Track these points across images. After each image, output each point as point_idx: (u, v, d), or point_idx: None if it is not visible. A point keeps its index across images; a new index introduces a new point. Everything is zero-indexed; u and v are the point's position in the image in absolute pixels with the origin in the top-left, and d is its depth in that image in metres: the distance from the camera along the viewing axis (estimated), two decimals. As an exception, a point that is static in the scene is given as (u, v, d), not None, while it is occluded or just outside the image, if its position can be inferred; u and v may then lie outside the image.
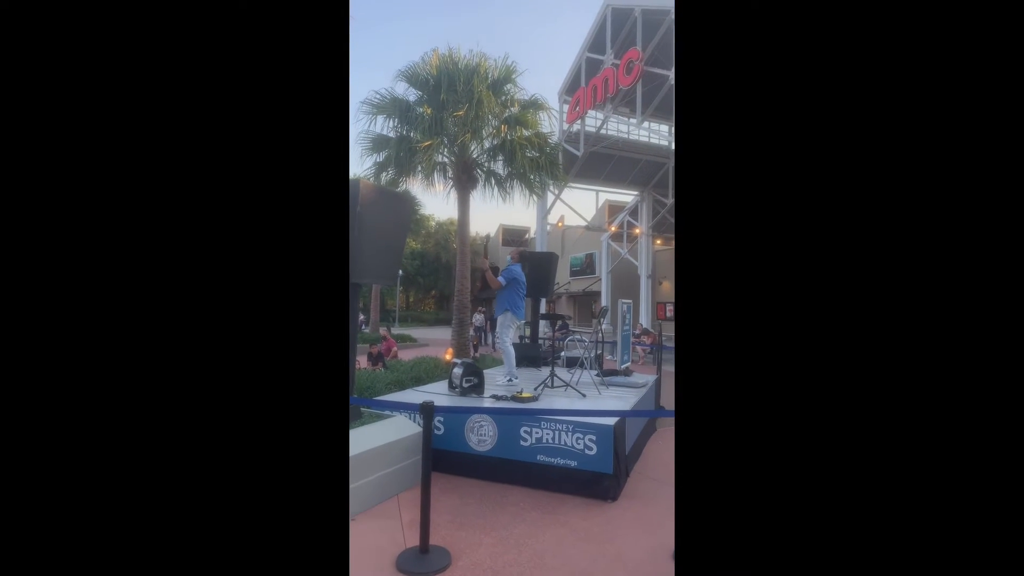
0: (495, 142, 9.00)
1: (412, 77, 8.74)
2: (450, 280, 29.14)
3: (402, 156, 8.41)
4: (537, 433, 3.55)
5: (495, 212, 78.01)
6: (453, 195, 9.46)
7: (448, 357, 8.72)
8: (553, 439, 3.51)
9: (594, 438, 3.40)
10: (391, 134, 8.78)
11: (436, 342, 15.21)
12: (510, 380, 4.92)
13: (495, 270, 5.05)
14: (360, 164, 8.72)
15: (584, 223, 18.19)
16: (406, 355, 9.43)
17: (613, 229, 17.81)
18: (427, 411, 2.61)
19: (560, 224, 17.56)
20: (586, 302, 24.64)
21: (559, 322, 6.15)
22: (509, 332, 5.02)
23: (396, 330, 17.29)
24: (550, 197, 14.99)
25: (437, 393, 4.52)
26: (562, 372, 5.16)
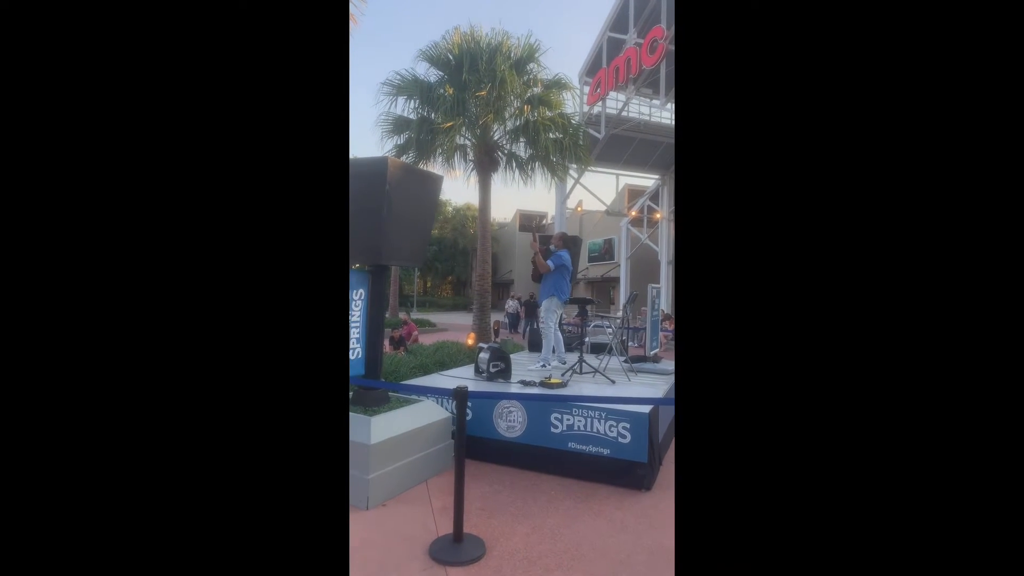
0: (517, 123, 8.80)
1: (434, 57, 8.56)
2: (467, 266, 29.14)
3: (423, 138, 8.28)
4: (568, 420, 3.46)
5: (511, 197, 77.57)
6: (470, 180, 9.32)
7: (470, 342, 8.66)
8: (585, 426, 3.41)
9: (628, 426, 3.29)
10: (412, 115, 8.64)
11: (454, 327, 15.21)
12: (543, 365, 4.83)
13: (547, 252, 4.92)
14: (381, 146, 8.64)
15: (603, 207, 17.92)
16: (426, 340, 9.40)
17: (633, 214, 17.49)
18: (461, 396, 2.52)
19: (579, 209, 17.29)
20: (604, 288, 24.40)
21: (585, 307, 6.03)
22: (553, 317, 4.93)
23: (414, 315, 17.32)
24: (569, 181, 14.74)
25: (463, 378, 4.45)
26: (590, 358, 5.05)
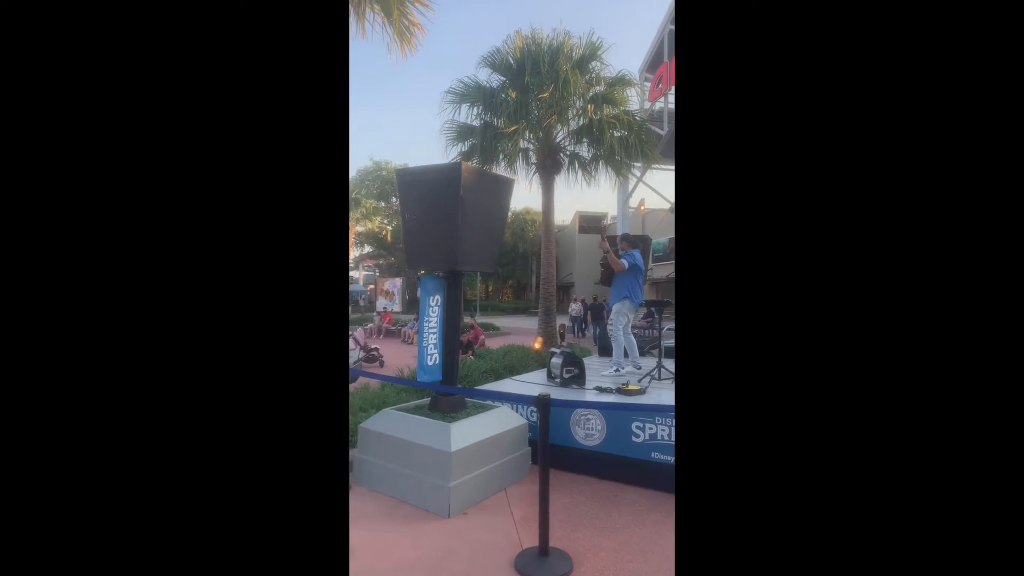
0: (580, 123, 8.66)
1: (495, 62, 8.60)
2: (527, 269, 29.16)
3: (486, 143, 8.33)
4: (651, 429, 3.29)
5: (570, 200, 77.03)
6: (531, 183, 9.26)
7: (537, 346, 8.59)
8: (670, 436, 3.23)
9: (717, 436, 3.08)
10: (475, 122, 8.72)
11: (518, 331, 15.20)
12: (617, 370, 4.67)
13: (614, 252, 4.78)
14: (445, 154, 8.78)
15: (667, 205, 17.34)
16: (492, 344, 9.42)
17: (700, 211, 16.76)
18: (543, 405, 2.43)
19: (642, 207, 16.82)
20: (669, 289, 23.59)
21: (652, 309, 5.78)
22: (624, 320, 4.77)
23: (478, 319, 17.51)
24: (631, 180, 14.35)
25: (536, 383, 4.37)
26: (669, 363, 4.82)
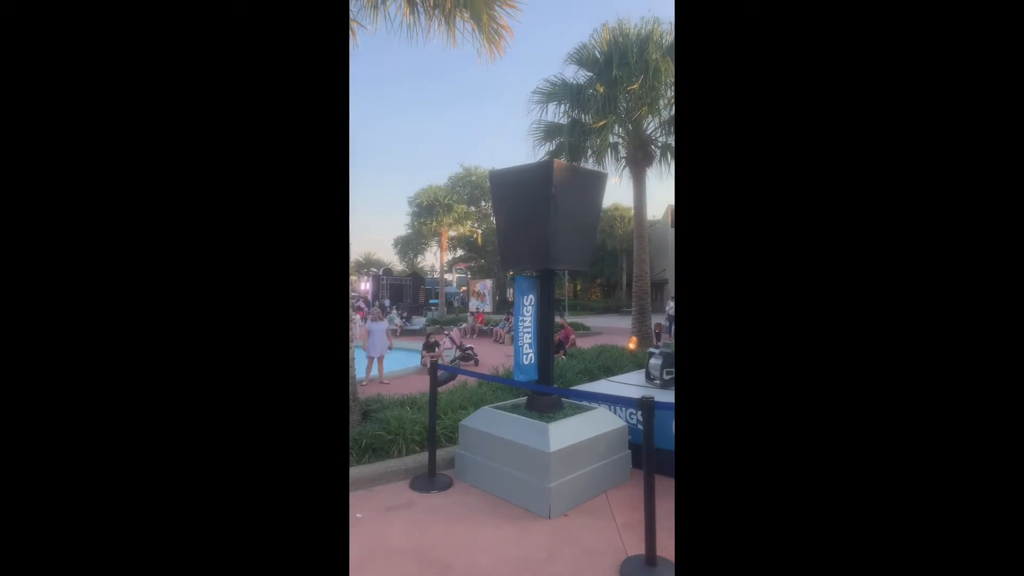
0: (672, 112, 8.29)
1: (582, 58, 8.48)
2: (616, 267, 28.50)
3: (574, 141, 8.23)
4: (765, 435, 3.03)
5: (662, 194, 74.14)
6: (617, 179, 9.00)
7: (632, 346, 8.34)
8: (787, 444, 2.95)
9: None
10: (563, 120, 8.66)
11: (609, 330, 14.88)
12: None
13: None
14: (533, 154, 8.80)
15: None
16: (583, 343, 9.29)
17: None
18: (647, 407, 2.33)
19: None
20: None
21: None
22: None
23: (567, 318, 17.39)
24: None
25: (634, 384, 4.23)
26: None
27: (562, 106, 8.56)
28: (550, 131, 8.72)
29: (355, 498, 3.06)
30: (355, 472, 3.24)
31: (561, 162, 3.53)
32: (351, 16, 4.74)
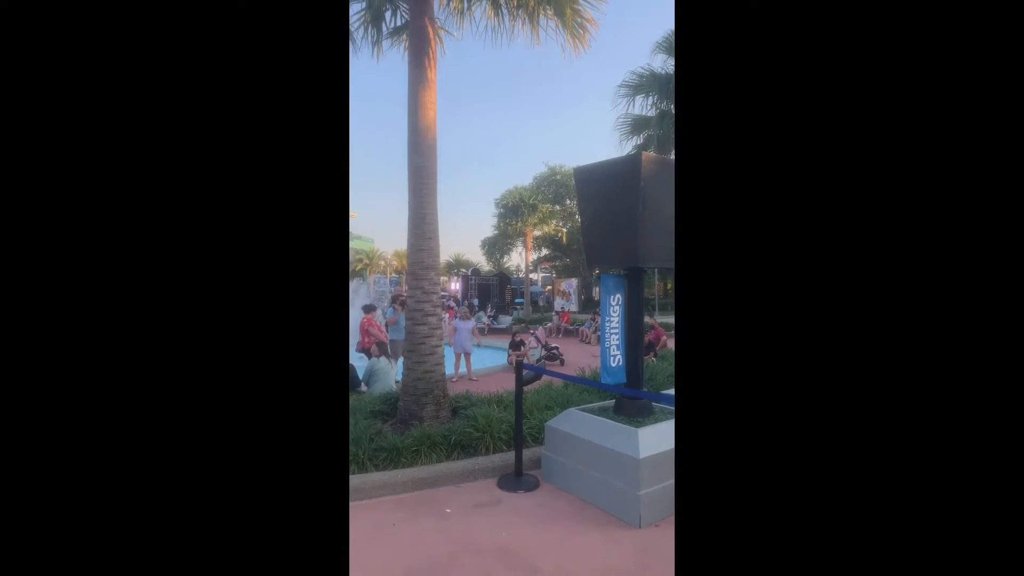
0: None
1: (670, 47, 8.11)
2: (711, 264, 26.96)
3: (663, 133, 7.90)
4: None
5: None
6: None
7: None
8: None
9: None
10: (651, 112, 8.35)
11: (702, 331, 14.11)
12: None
13: None
14: (619, 150, 8.56)
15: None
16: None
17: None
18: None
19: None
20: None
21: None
22: None
23: (658, 319, 16.75)
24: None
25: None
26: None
27: (650, 98, 8.26)
28: (637, 124, 8.44)
29: (444, 493, 3.14)
30: (444, 468, 3.33)
31: (650, 155, 3.37)
32: (438, 24, 4.88)
